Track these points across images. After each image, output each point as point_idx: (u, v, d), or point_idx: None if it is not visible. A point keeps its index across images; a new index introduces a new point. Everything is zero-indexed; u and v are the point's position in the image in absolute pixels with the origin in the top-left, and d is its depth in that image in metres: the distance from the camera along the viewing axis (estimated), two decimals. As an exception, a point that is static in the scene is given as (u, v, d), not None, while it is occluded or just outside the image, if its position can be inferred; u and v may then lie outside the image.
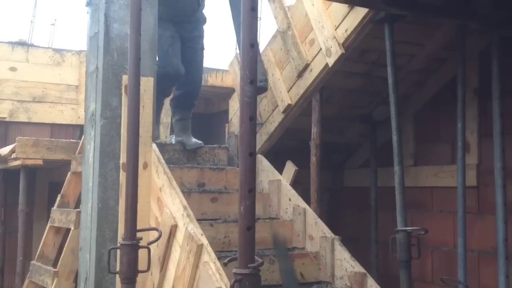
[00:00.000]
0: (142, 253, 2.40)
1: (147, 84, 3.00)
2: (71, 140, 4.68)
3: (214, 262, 2.46)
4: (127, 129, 2.47)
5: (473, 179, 3.75)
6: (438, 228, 3.96)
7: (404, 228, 3.17)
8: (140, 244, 2.31)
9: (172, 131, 4.93)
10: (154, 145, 3.08)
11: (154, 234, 2.54)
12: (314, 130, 3.92)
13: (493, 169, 3.30)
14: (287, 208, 3.74)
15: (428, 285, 3.94)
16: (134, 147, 2.44)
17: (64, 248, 3.82)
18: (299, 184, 3.98)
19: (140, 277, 2.95)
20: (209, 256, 2.49)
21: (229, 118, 4.52)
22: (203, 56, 4.18)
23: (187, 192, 3.54)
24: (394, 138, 3.36)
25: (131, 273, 2.28)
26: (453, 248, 3.60)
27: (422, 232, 3.14)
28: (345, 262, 3.26)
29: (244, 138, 1.64)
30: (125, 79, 2.94)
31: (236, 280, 1.52)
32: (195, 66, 4.10)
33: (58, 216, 4.02)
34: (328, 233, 3.43)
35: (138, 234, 2.36)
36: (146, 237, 2.54)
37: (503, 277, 3.12)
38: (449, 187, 3.85)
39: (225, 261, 1.65)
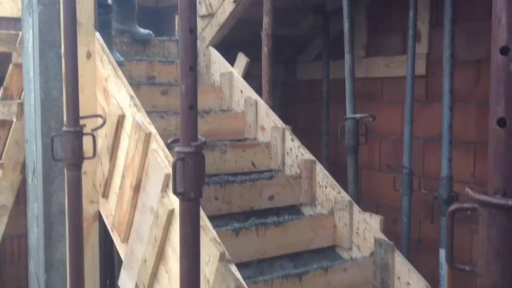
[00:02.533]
0: (88, 141, 2.36)
1: (86, -33, 2.82)
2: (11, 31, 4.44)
3: (163, 150, 2.45)
4: (63, 13, 2.34)
5: (422, 68, 3.79)
6: (387, 117, 4.05)
7: (352, 116, 3.22)
8: (84, 131, 2.27)
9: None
10: (97, 34, 2.95)
11: (100, 122, 2.49)
12: (266, 20, 3.82)
13: (442, 58, 3.33)
14: (239, 100, 3.73)
15: (375, 172, 4.09)
16: (72, 33, 2.33)
17: (8, 140, 3.76)
18: (252, 78, 3.94)
19: (90, 167, 2.95)
20: (157, 144, 2.48)
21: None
22: None
23: (136, 85, 3.46)
24: (346, 26, 3.32)
25: (75, 160, 2.25)
26: (401, 136, 3.70)
27: (370, 119, 3.20)
28: (295, 151, 3.33)
29: (183, 13, 1.57)
30: (61, -39, 2.75)
31: (178, 158, 1.51)
32: None
33: (1, 109, 3.91)
34: (279, 123, 3.46)
35: (83, 121, 2.31)
36: (91, 125, 2.50)
37: (446, 160, 3.24)
38: (399, 77, 3.89)
39: (168, 142, 1.64)
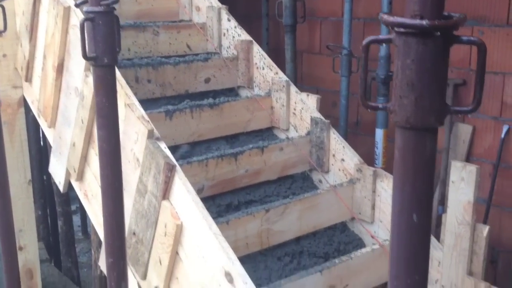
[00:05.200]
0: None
1: None
2: None
3: (85, 26, 2.27)
4: None
5: None
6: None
7: (290, -7, 3.07)
8: (-9, 3, 2.06)
9: None
10: None
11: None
12: None
13: None
14: (172, -21, 3.49)
15: (316, 55, 4.01)
16: None
17: None
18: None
19: (9, 50, 2.75)
20: (78, 19, 2.29)
21: None
22: None
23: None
24: None
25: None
26: (341, 18, 3.60)
27: (308, -4, 3.07)
28: (232, 31, 3.19)
29: None
30: None
31: (87, 18, 1.37)
32: None
33: None
34: (215, 2, 3.28)
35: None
36: (2, -1, 2.27)
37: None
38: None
39: (77, 3, 1.48)
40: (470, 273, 2.26)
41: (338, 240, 2.67)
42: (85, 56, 1.36)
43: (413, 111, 0.73)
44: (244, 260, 2.37)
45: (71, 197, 4.03)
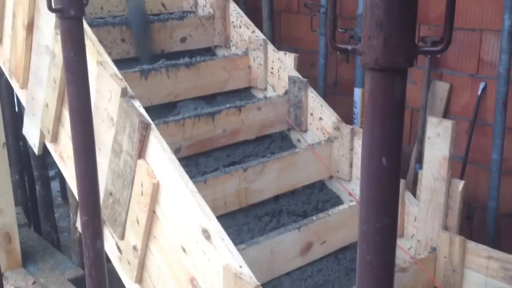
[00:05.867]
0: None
1: None
2: None
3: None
4: None
5: None
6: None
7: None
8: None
9: None
10: None
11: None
12: None
13: None
14: None
15: (294, 15, 3.95)
16: None
17: None
18: None
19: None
20: (46, -25, 2.22)
21: None
22: None
23: None
24: None
25: None
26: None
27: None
28: (208, -11, 3.13)
29: None
30: None
31: (52, -32, 1.31)
32: None
33: None
34: (190, -41, 3.20)
35: None
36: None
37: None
38: None
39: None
40: (446, 227, 2.30)
41: (316, 198, 2.69)
42: (50, 7, 1.31)
43: (382, 52, 0.72)
44: (225, 220, 2.38)
45: (49, 163, 3.99)
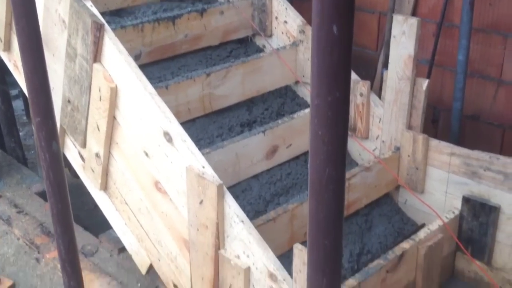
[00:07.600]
0: None
1: None
2: None
3: None
4: None
5: None
6: None
7: None
8: None
9: None
10: None
11: None
12: None
13: None
14: None
15: None
16: None
17: None
18: None
19: None
20: None
21: None
22: None
23: None
24: None
25: None
26: None
27: None
28: None
29: None
30: None
31: None
32: None
33: None
34: None
35: None
36: None
37: None
38: None
39: None
40: (410, 127, 2.31)
41: (290, 108, 2.65)
42: None
43: None
44: (196, 132, 2.35)
45: (10, 82, 3.85)
